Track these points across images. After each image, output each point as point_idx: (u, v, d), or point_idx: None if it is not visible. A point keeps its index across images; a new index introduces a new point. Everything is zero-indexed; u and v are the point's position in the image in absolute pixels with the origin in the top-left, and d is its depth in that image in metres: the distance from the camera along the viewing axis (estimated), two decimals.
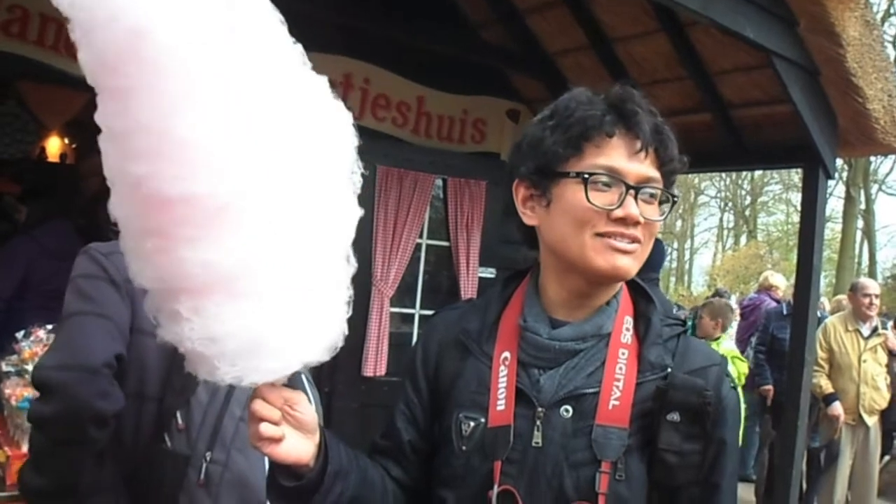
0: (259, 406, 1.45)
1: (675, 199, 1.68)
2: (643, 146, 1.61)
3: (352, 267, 1.51)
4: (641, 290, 1.78)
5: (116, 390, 2.10)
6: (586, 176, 1.60)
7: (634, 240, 1.62)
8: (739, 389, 6.85)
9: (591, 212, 1.60)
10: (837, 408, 7.75)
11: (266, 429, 1.44)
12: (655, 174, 1.64)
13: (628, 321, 1.72)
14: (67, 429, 2.04)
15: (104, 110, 1.30)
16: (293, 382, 1.52)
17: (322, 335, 1.46)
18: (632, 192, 1.59)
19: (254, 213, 1.32)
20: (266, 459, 2.11)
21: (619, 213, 1.59)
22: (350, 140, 1.48)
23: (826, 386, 7.82)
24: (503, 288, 1.85)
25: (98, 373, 2.05)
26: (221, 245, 1.30)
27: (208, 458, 2.12)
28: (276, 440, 1.46)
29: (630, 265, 1.63)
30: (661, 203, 1.67)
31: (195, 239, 1.30)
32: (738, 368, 7.08)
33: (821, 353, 7.87)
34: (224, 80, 1.28)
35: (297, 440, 1.49)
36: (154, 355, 2.17)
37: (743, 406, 7.15)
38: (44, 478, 2.11)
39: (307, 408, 1.51)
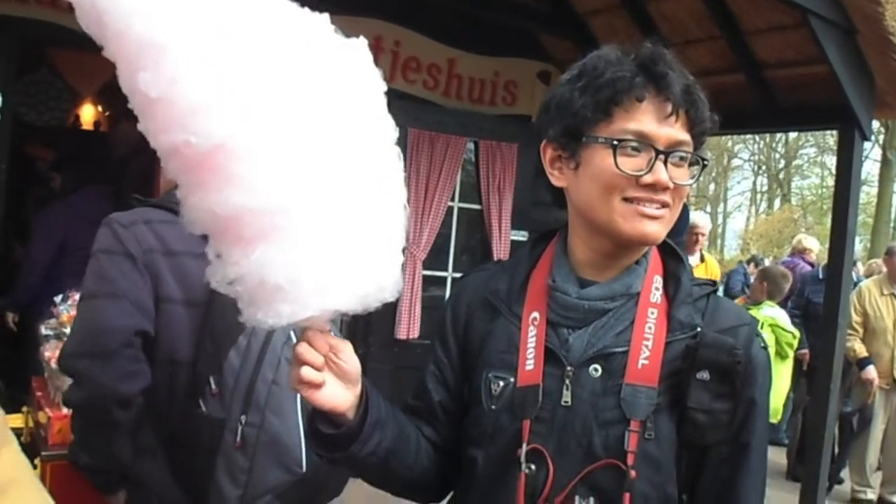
0: (303, 350, 1.45)
1: (706, 162, 1.66)
2: (674, 110, 1.58)
3: (406, 214, 1.51)
4: (671, 250, 1.76)
5: (140, 367, 2.14)
6: (615, 142, 1.58)
7: (664, 205, 1.60)
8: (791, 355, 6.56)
9: (619, 177, 1.58)
10: (871, 371, 7.68)
11: (307, 373, 1.44)
12: (686, 137, 1.60)
13: (658, 280, 1.71)
14: (96, 412, 2.10)
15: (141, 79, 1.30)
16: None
17: (370, 284, 1.44)
18: (661, 157, 1.57)
19: (287, 155, 1.33)
20: (300, 421, 2.13)
21: (648, 178, 1.56)
22: (379, 89, 1.49)
23: (860, 350, 7.75)
24: (532, 248, 1.84)
25: (115, 355, 2.08)
26: (255, 188, 1.31)
27: (243, 421, 2.13)
28: (317, 385, 1.46)
29: (658, 230, 1.61)
30: (691, 165, 1.65)
31: (230, 184, 1.31)
32: (780, 337, 6.97)
33: (855, 317, 7.80)
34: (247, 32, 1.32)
35: (337, 388, 1.50)
36: (183, 322, 2.19)
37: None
38: (89, 455, 2.20)
39: (351, 357, 1.51)
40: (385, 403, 1.66)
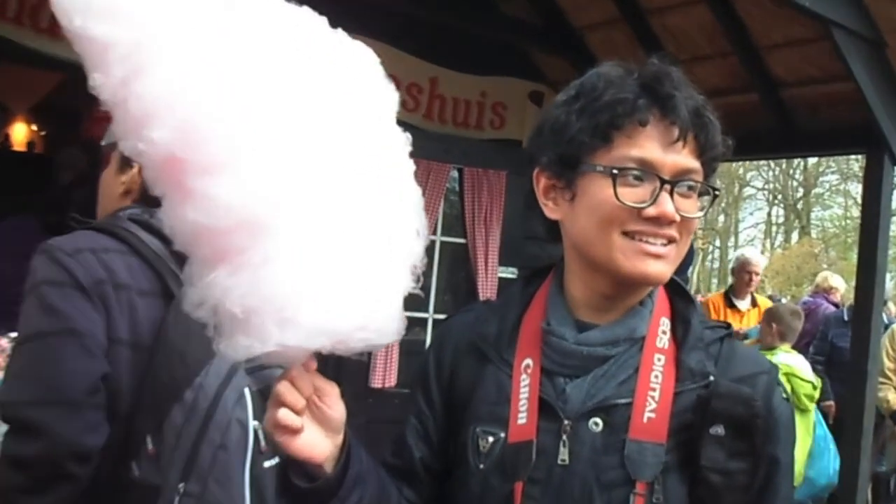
0: (284, 389, 1.42)
1: (717, 192, 1.66)
2: (681, 135, 1.57)
3: (419, 244, 1.50)
4: (679, 289, 1.76)
5: (104, 417, 2.06)
6: (615, 171, 1.56)
7: (670, 240, 1.59)
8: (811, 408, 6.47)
9: (619, 209, 1.57)
10: None
11: (285, 416, 1.41)
12: (695, 164, 1.59)
13: (665, 323, 1.70)
14: (48, 468, 2.00)
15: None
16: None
17: (348, 321, 1.40)
18: (667, 186, 1.56)
19: (249, 167, 1.32)
20: (247, 494, 2.08)
21: (651, 211, 1.56)
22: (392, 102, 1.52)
23: (894, 401, 7.75)
24: (524, 287, 1.83)
25: (83, 405, 2.00)
26: (212, 204, 1.30)
27: (181, 490, 2.05)
28: (295, 431, 1.43)
29: (663, 270, 1.60)
30: (700, 195, 1.64)
31: (186, 198, 1.32)
32: (797, 387, 6.87)
33: (888, 364, 7.80)
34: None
35: (317, 436, 1.48)
36: (127, 368, 2.11)
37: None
38: None
39: (337, 403, 1.50)
40: (367, 456, 1.64)
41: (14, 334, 2.19)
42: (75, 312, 2.05)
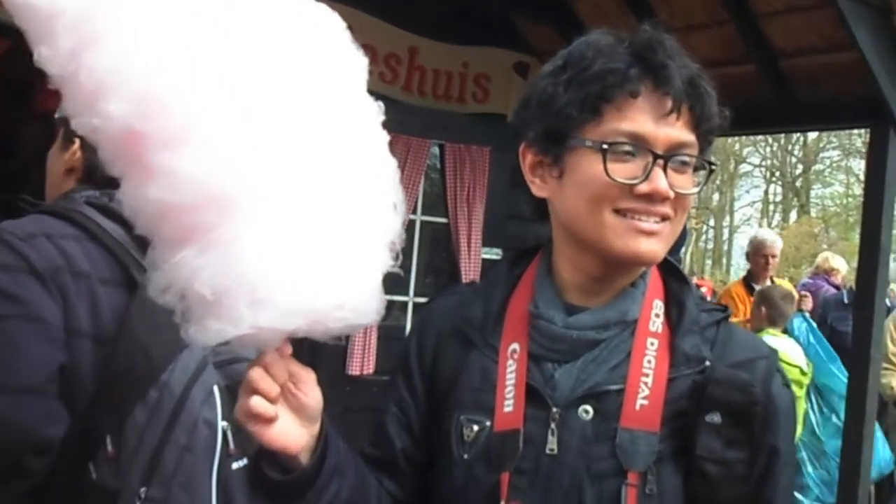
0: (257, 376, 1.41)
1: (714, 166, 1.66)
2: (674, 106, 1.56)
3: (396, 218, 1.50)
4: (673, 270, 1.76)
5: (62, 409, 2.02)
6: (605, 145, 1.56)
7: (663, 217, 1.59)
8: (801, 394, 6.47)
9: (610, 186, 1.57)
10: None
11: (258, 404, 1.40)
12: (689, 138, 1.60)
13: (658, 306, 1.71)
14: (5, 460, 1.97)
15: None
16: None
17: (325, 300, 1.40)
18: (660, 161, 1.56)
19: (213, 139, 1.31)
20: (214, 499, 2.05)
21: (644, 187, 1.57)
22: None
23: None
24: (510, 269, 1.84)
25: (42, 392, 1.97)
26: (176, 180, 1.29)
27: (143, 495, 2.00)
28: (268, 420, 1.42)
29: (656, 248, 1.60)
30: (696, 170, 1.64)
31: (148, 176, 1.31)
32: (792, 376, 6.94)
33: (891, 348, 7.83)
34: None
35: (292, 425, 1.47)
36: (88, 362, 2.06)
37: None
38: None
39: (313, 390, 1.49)
40: (345, 447, 1.64)
41: None
42: (32, 298, 2.00)
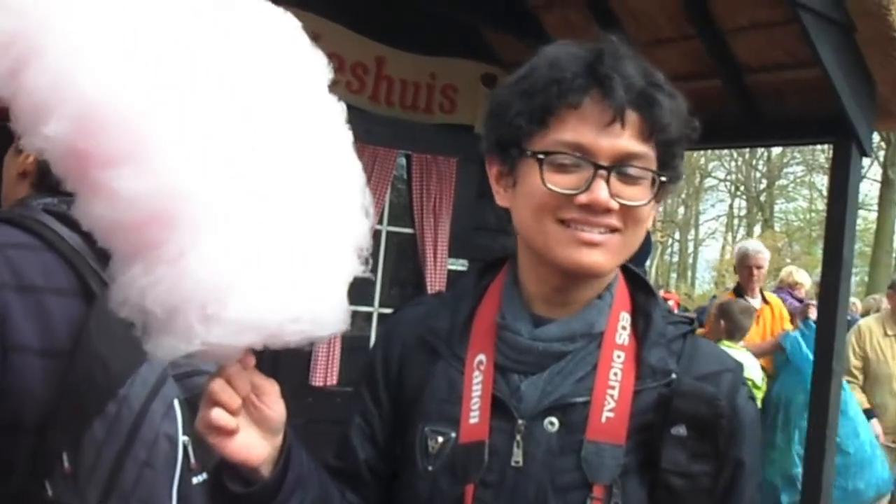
0: (218, 387, 1.41)
1: (663, 178, 1.63)
2: (615, 116, 1.55)
3: (363, 223, 1.50)
4: (640, 282, 1.76)
5: None
6: (541, 156, 1.58)
7: (612, 229, 1.59)
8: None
9: (549, 196, 1.58)
10: (875, 426, 7.71)
11: (219, 416, 1.40)
12: (639, 148, 1.58)
13: (625, 318, 1.71)
14: None
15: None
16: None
17: (297, 305, 1.40)
18: (602, 172, 1.56)
19: (157, 149, 1.30)
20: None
21: (583, 198, 1.56)
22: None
23: (861, 400, 7.81)
24: (477, 280, 1.83)
25: None
26: (118, 196, 1.28)
27: None
28: (229, 432, 1.42)
29: (600, 260, 1.59)
30: (664, 184, 1.64)
31: (94, 192, 1.31)
32: None
33: (854, 362, 7.87)
34: None
35: (254, 437, 1.46)
36: (36, 377, 1.99)
37: None
38: None
39: (277, 402, 1.49)
40: (308, 459, 1.62)
41: None
42: None
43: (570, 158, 1.56)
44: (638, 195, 1.59)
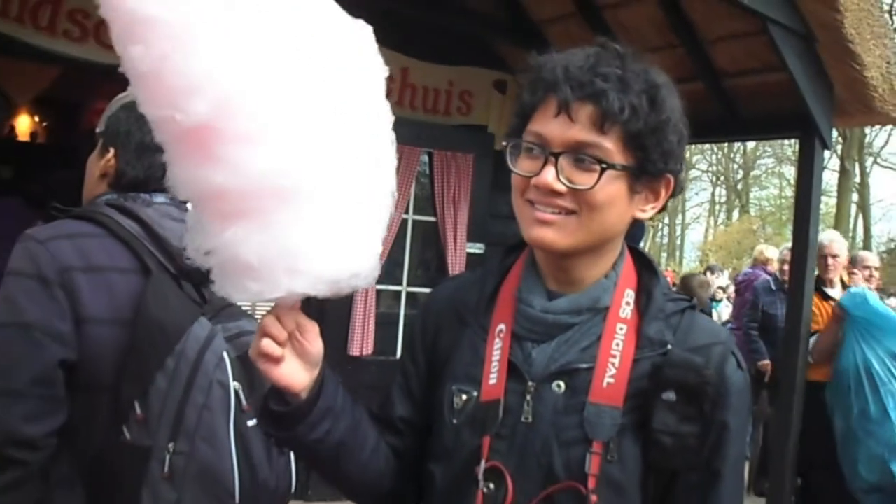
0: (269, 322, 1.47)
1: (604, 165, 1.54)
2: (560, 108, 1.53)
3: (391, 201, 1.55)
4: (646, 262, 1.74)
5: (54, 406, 2.02)
6: (508, 144, 1.62)
7: (566, 211, 1.56)
8: None
9: (518, 179, 1.59)
10: None
11: (268, 345, 1.47)
12: (591, 137, 1.53)
13: (629, 294, 1.68)
14: None
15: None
16: None
17: (344, 271, 1.47)
18: (552, 158, 1.54)
19: (273, 139, 1.37)
20: (233, 448, 2.06)
21: (534, 180, 1.56)
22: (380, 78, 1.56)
23: None
24: (503, 259, 1.83)
25: (24, 395, 1.97)
26: (237, 170, 1.35)
27: (171, 450, 2.03)
28: (276, 359, 1.48)
29: (553, 237, 1.57)
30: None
31: (213, 162, 1.35)
32: None
33: None
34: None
35: (295, 367, 1.52)
36: (107, 343, 2.08)
37: None
38: None
39: (316, 339, 1.53)
40: (345, 397, 1.66)
41: None
42: (30, 305, 2.02)
43: (530, 145, 1.57)
44: (586, 180, 1.53)
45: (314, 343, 1.53)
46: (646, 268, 1.73)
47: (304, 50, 1.39)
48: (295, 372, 1.52)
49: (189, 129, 1.32)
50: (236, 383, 2.12)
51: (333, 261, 1.44)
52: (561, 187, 1.53)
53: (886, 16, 6.08)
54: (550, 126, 1.55)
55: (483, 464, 1.60)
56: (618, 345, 1.61)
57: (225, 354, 2.12)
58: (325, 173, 1.40)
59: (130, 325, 2.09)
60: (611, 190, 1.55)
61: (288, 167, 1.36)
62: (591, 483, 1.53)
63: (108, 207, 2.22)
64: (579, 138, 1.53)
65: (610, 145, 1.54)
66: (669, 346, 1.61)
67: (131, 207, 2.22)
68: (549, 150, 1.54)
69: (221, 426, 2.09)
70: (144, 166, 2.26)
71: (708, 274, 15.30)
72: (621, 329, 1.62)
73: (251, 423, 2.13)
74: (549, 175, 1.53)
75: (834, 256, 7.03)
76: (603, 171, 1.53)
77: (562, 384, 1.60)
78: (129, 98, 2.29)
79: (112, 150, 2.31)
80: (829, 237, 7.25)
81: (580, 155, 1.53)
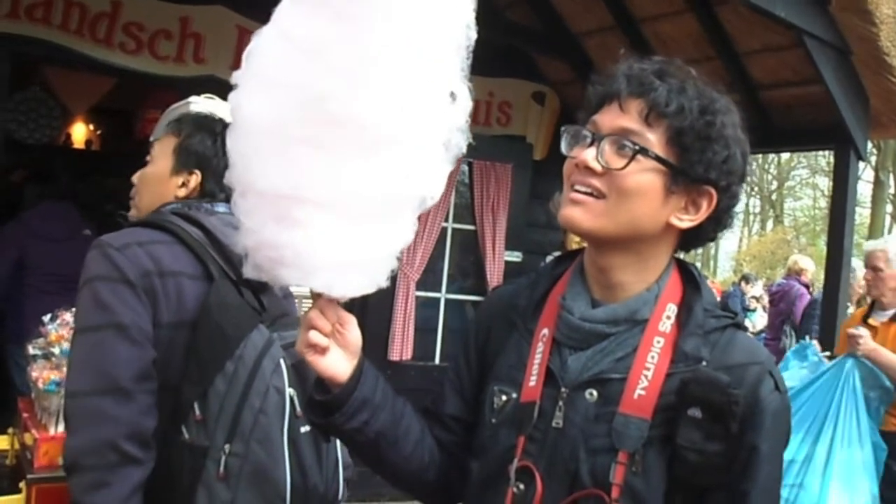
0: (315, 315, 1.54)
1: (638, 148, 1.55)
2: (610, 96, 1.60)
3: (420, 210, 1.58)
4: (691, 278, 1.70)
5: (155, 403, 2.09)
6: (562, 128, 1.65)
7: (592, 190, 1.57)
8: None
9: (567, 164, 1.62)
10: None
11: (315, 336, 1.53)
12: (635, 126, 1.56)
13: (671, 308, 1.64)
14: (115, 453, 2.00)
15: (309, 19, 1.42)
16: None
17: (386, 267, 1.55)
18: (598, 141, 1.57)
19: (387, 154, 1.45)
20: (286, 452, 2.09)
21: (576, 159, 1.59)
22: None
23: None
24: (554, 267, 1.82)
25: (134, 391, 2.03)
26: (356, 169, 1.43)
27: (227, 451, 2.05)
28: (322, 350, 1.55)
29: (577, 216, 1.58)
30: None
31: (348, 158, 1.43)
32: None
33: None
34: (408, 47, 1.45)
35: (339, 357, 1.58)
36: (174, 346, 2.14)
37: None
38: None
39: (355, 330, 1.59)
40: (386, 392, 1.69)
41: (75, 309, 2.20)
42: (122, 307, 2.08)
43: (585, 132, 1.60)
44: (619, 163, 1.55)
45: (354, 333, 1.58)
46: (690, 283, 1.69)
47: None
48: (339, 361, 1.57)
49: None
50: (291, 389, 2.14)
51: (381, 266, 1.54)
52: (597, 166, 1.55)
53: None
54: (604, 115, 1.60)
55: (515, 462, 1.60)
56: (653, 357, 1.58)
57: (282, 361, 2.14)
58: (380, 189, 1.47)
59: (191, 327, 2.15)
60: (642, 179, 1.56)
61: (355, 182, 1.44)
62: (615, 493, 1.51)
63: (174, 216, 2.29)
64: (623, 125, 1.56)
65: (653, 137, 1.56)
66: (704, 363, 1.57)
67: (196, 216, 2.29)
68: (598, 134, 1.57)
69: (276, 430, 2.11)
70: (226, 187, 2.30)
71: (743, 283, 15.17)
72: (658, 342, 1.59)
73: (304, 429, 2.15)
74: (589, 154, 1.56)
75: (876, 270, 5.36)
76: (636, 153, 1.54)
77: (594, 392, 1.58)
78: (198, 110, 2.37)
79: (199, 173, 2.40)
80: (871, 246, 5.61)
81: (623, 141, 1.55)
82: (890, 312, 5.25)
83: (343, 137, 1.42)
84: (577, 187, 1.58)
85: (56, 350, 3.21)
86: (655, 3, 6.40)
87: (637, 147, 1.54)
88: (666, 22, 6.53)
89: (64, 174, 7.08)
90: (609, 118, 1.58)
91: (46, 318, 3.41)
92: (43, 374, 3.14)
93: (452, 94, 1.55)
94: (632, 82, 1.58)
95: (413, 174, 1.51)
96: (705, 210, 1.62)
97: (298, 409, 2.13)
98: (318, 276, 1.48)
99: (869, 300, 5.71)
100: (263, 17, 1.48)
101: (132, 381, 2.04)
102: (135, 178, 2.50)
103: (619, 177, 1.55)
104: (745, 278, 15.75)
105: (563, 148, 1.64)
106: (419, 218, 1.58)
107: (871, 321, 5.33)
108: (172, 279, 2.16)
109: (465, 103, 1.58)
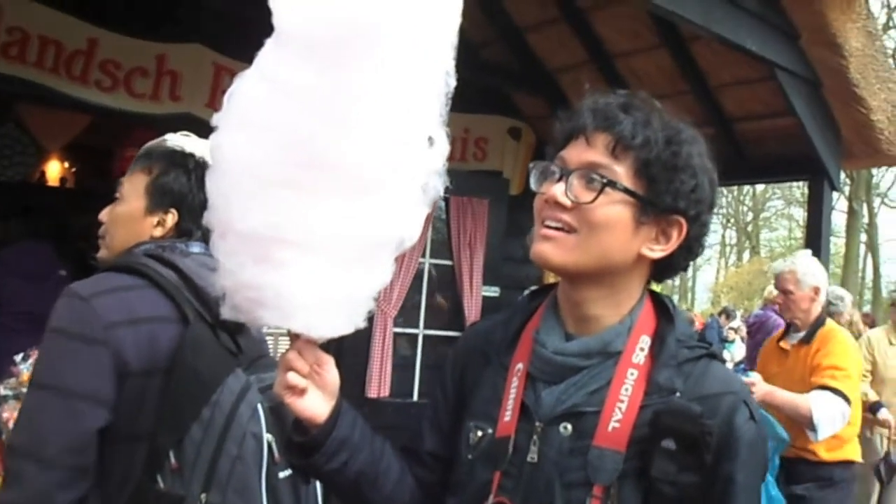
0: (293, 357, 1.54)
1: (606, 181, 1.54)
2: (576, 131, 1.60)
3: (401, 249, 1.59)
4: (664, 310, 1.69)
5: (83, 475, 2.00)
6: (530, 165, 1.67)
7: (562, 224, 1.56)
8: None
9: (537, 201, 1.62)
10: (885, 413, 7.38)
11: (293, 377, 1.53)
12: (602, 160, 1.56)
13: (644, 341, 1.63)
14: None
15: (293, 64, 1.41)
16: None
17: (364, 308, 1.55)
18: (566, 176, 1.57)
19: (367, 197, 1.46)
20: (265, 501, 2.04)
21: (545, 196, 1.59)
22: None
23: (871, 394, 7.67)
24: (530, 301, 1.82)
25: (55, 464, 1.95)
26: (336, 211, 1.43)
27: (204, 500, 1.99)
28: (300, 391, 1.55)
29: (549, 252, 1.57)
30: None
31: (328, 201, 1.43)
32: None
33: (865, 365, 7.72)
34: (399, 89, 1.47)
35: (317, 398, 1.58)
36: (145, 394, 2.06)
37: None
38: None
39: (333, 371, 1.60)
40: (364, 429, 1.69)
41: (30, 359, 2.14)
42: (72, 369, 2.00)
43: (553, 168, 1.61)
44: (588, 196, 1.55)
45: (331, 374, 1.59)
46: (663, 315, 1.68)
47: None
48: (316, 402, 1.57)
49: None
50: (269, 435, 2.09)
51: (359, 305, 1.54)
52: (566, 201, 1.55)
53: (890, 61, 6.08)
54: (571, 150, 1.60)
55: (491, 498, 1.59)
56: (626, 390, 1.56)
57: (259, 406, 2.09)
58: (362, 231, 1.48)
59: (165, 373, 2.07)
60: (611, 212, 1.55)
61: (333, 228, 1.44)
62: None
63: (148, 258, 2.22)
64: (592, 159, 1.56)
65: (621, 170, 1.55)
66: (678, 394, 1.56)
67: (170, 258, 2.21)
68: (566, 169, 1.57)
69: (253, 478, 2.06)
70: (203, 224, 2.25)
71: (723, 318, 15.23)
72: (632, 374, 1.58)
73: (283, 474, 2.10)
74: (558, 189, 1.56)
75: (786, 293, 5.15)
76: (604, 186, 1.54)
77: (568, 426, 1.57)
78: (167, 145, 2.33)
79: (175, 212, 2.31)
80: (778, 267, 5.37)
81: (591, 174, 1.55)
82: (800, 335, 5.13)
83: (324, 180, 1.41)
84: (548, 223, 1.57)
85: (26, 390, 3.17)
86: (629, 39, 6.47)
87: (605, 180, 1.54)
88: (640, 57, 6.59)
89: (41, 213, 7.03)
90: (576, 153, 1.58)
91: (18, 357, 3.37)
92: (14, 415, 3.09)
93: (430, 139, 1.55)
94: (597, 116, 1.58)
95: (392, 217, 1.51)
96: (676, 239, 1.62)
97: (276, 454, 2.09)
98: (297, 317, 1.48)
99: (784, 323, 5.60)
100: (240, 56, 1.49)
101: (59, 452, 1.95)
102: (103, 217, 2.41)
103: (588, 210, 1.54)
104: (726, 313, 15.82)
105: (533, 184, 1.64)
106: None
107: (782, 344, 5.30)
108: (145, 325, 2.09)
109: (443, 148, 1.58)
